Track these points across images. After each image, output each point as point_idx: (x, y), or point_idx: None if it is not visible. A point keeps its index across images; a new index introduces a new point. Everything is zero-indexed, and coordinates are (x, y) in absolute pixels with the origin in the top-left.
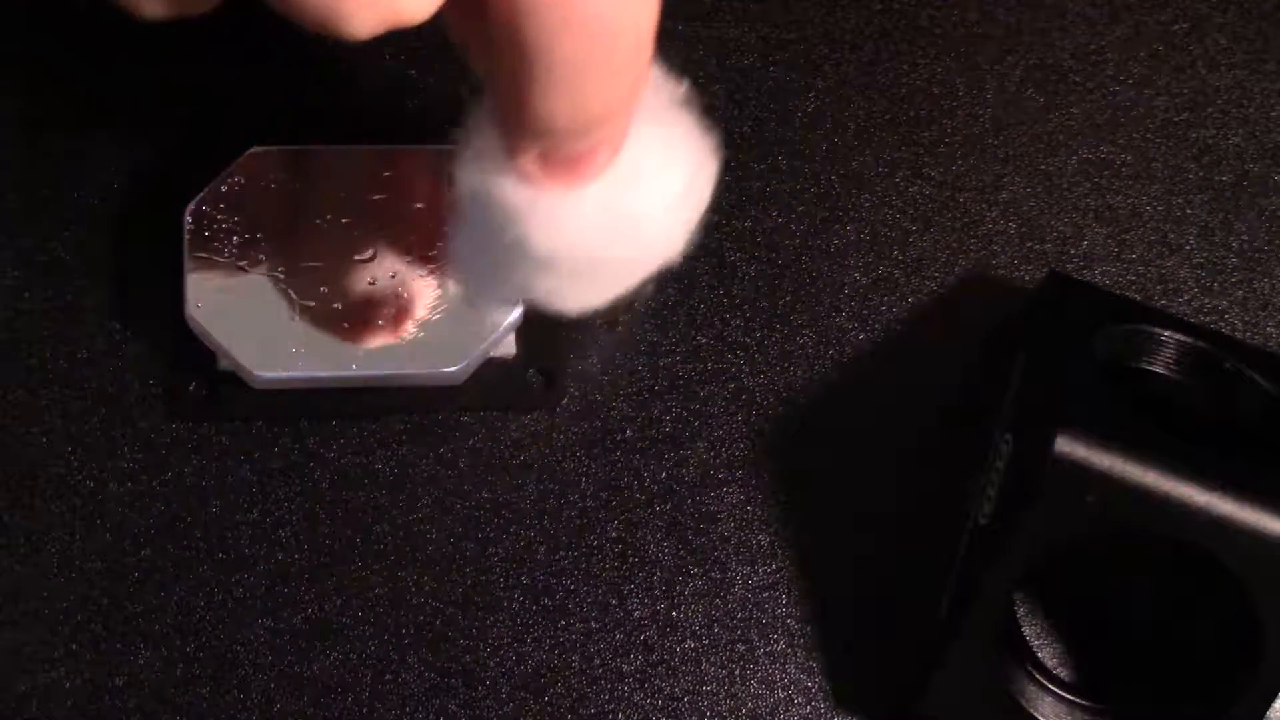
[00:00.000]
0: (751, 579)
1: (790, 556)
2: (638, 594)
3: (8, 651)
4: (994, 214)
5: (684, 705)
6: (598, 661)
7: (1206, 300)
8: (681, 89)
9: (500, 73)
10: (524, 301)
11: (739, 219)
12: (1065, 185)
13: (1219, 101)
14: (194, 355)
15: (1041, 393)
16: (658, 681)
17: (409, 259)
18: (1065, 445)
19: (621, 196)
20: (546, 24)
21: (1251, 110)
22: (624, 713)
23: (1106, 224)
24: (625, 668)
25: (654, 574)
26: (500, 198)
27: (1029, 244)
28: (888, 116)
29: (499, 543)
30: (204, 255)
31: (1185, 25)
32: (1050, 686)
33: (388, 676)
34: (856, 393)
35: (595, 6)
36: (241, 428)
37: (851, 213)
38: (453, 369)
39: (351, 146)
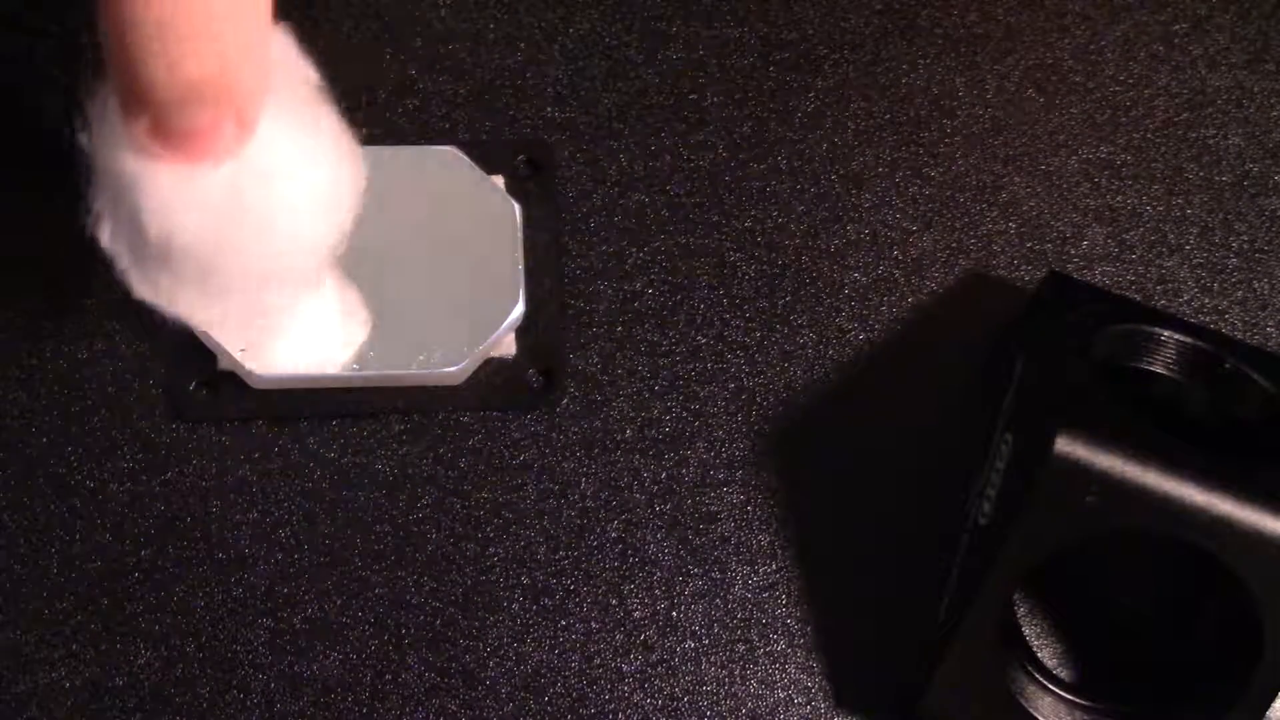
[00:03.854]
0: (751, 579)
1: (790, 556)
2: (638, 594)
3: (8, 651)
4: (994, 214)
5: (684, 705)
6: (598, 661)
7: (1206, 300)
8: (316, 78)
9: (101, 28)
10: (158, 303)
11: (739, 219)
12: (1065, 185)
13: (1219, 101)
14: (194, 355)
15: (1041, 393)
16: (658, 681)
17: (409, 259)
18: (1065, 445)
19: (251, 184)
20: None
21: (1251, 110)
22: (624, 713)
23: (1106, 224)
24: (625, 668)
25: (654, 574)
26: (115, 167)
27: (1029, 244)
28: (888, 116)
29: (499, 543)
30: None
31: (1185, 25)
32: (1050, 686)
33: (388, 676)
34: (856, 393)
35: None
36: (241, 428)
37: (851, 213)
38: (453, 369)
39: None
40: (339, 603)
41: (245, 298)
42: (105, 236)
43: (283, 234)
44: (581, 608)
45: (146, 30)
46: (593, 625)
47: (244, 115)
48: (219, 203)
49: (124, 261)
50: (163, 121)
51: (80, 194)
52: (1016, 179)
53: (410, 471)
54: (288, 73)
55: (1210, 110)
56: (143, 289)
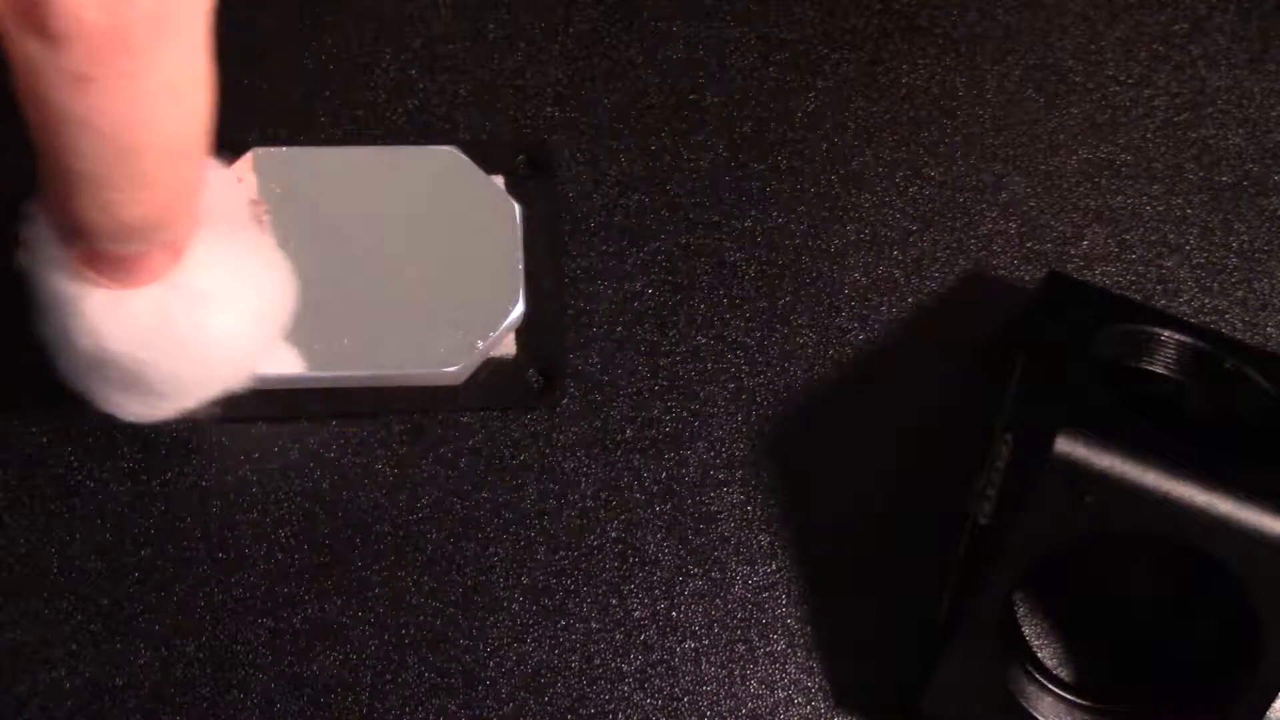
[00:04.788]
0: (751, 579)
1: (790, 556)
2: (638, 594)
3: (8, 651)
4: (994, 214)
5: (684, 705)
6: (598, 661)
7: (1206, 300)
8: (247, 201)
9: (38, 167)
10: (88, 397)
11: (739, 219)
12: (1065, 185)
13: (1219, 101)
14: None
15: (1041, 393)
16: (658, 681)
17: (409, 259)
18: (1065, 445)
19: (178, 307)
20: (65, 127)
21: (1251, 110)
22: (624, 713)
23: (1106, 224)
24: (625, 668)
25: (654, 574)
26: (50, 286)
27: (1029, 244)
28: (888, 116)
29: (499, 543)
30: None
31: (1185, 25)
32: (1050, 686)
33: (388, 676)
34: (856, 393)
35: (115, 115)
36: (241, 428)
37: (851, 213)
38: (453, 369)
39: (351, 146)
40: (339, 603)
41: (175, 402)
42: (43, 335)
43: (209, 353)
44: (581, 608)
45: (79, 179)
46: (593, 625)
47: (173, 246)
48: (145, 323)
49: (60, 361)
50: (93, 252)
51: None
52: (1016, 179)
53: (410, 471)
54: (218, 197)
55: (1210, 110)
56: (76, 385)
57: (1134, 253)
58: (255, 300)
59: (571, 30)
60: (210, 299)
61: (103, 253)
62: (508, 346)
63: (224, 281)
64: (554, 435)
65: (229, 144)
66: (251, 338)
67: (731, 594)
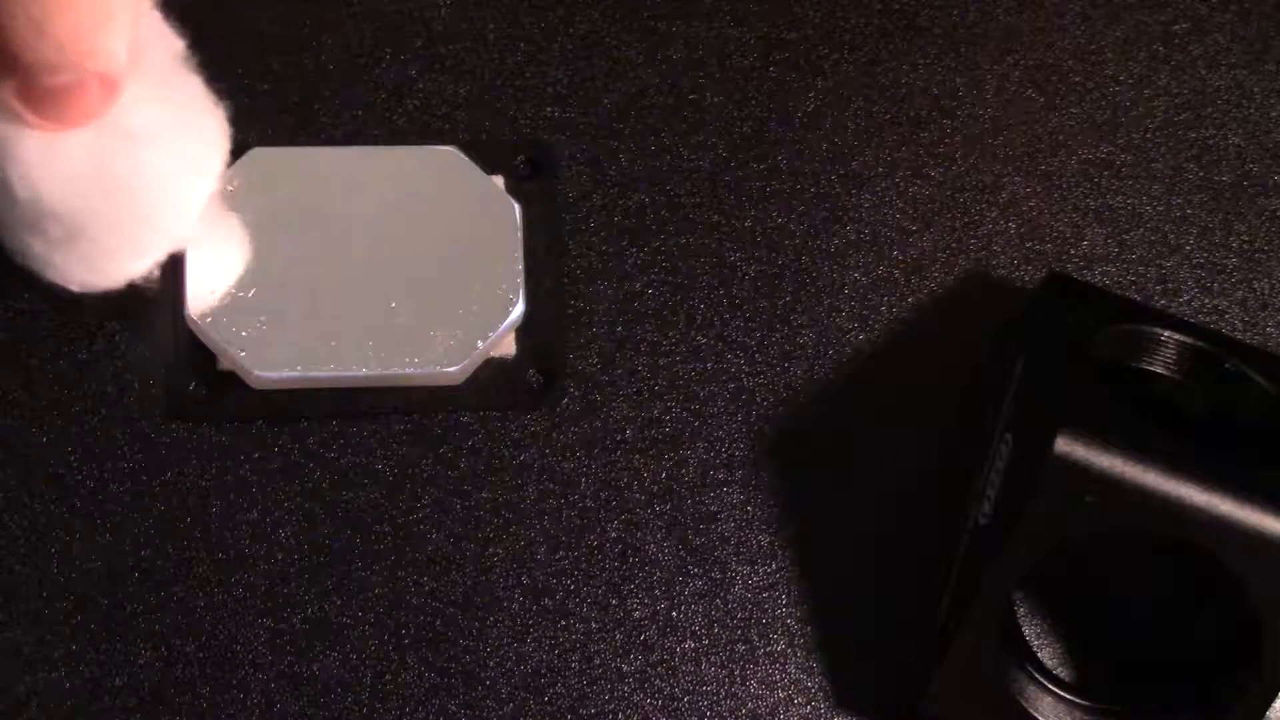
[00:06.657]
0: (751, 579)
1: (790, 556)
2: (638, 594)
3: (8, 651)
4: (994, 214)
5: (684, 705)
6: (598, 661)
7: (1206, 300)
8: (182, 47)
9: None
10: (31, 267)
11: (739, 219)
12: (1065, 185)
13: (1219, 101)
14: (194, 355)
15: (1041, 393)
16: (658, 681)
17: (409, 259)
18: (1065, 445)
19: (115, 146)
20: None
21: (1251, 110)
22: (624, 713)
23: (1106, 224)
24: (625, 668)
25: (654, 574)
26: None
27: (1029, 244)
28: (888, 116)
29: (499, 543)
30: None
31: (1185, 25)
32: (1050, 686)
33: (388, 676)
34: (856, 393)
35: None
36: (241, 428)
37: (851, 213)
38: (453, 369)
39: (351, 147)
40: (339, 603)
41: (116, 262)
42: None
43: (147, 198)
44: (581, 608)
45: None
46: (593, 625)
47: (109, 77)
48: (83, 166)
49: None
50: (29, 83)
51: None
52: (1016, 179)
53: (410, 471)
54: (154, 43)
55: (1210, 110)
56: (17, 256)
57: (1134, 253)
58: (192, 142)
59: (571, 30)
60: (146, 138)
61: (37, 86)
62: (508, 346)
63: (159, 122)
64: (554, 435)
65: (229, 144)
66: (187, 185)
67: (731, 594)
